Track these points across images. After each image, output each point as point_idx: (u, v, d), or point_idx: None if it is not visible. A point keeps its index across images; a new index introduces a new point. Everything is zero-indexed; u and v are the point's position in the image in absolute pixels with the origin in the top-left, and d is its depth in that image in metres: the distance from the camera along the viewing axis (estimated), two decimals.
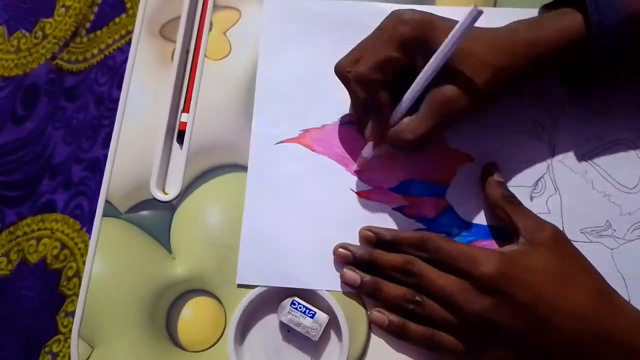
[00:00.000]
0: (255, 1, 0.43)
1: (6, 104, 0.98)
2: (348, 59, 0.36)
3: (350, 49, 0.35)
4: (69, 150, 0.93)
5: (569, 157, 0.38)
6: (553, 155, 0.38)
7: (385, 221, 0.37)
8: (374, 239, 0.36)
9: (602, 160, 0.38)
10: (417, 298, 0.34)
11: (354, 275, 0.35)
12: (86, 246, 0.37)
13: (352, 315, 0.36)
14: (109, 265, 0.38)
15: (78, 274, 0.85)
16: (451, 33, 0.31)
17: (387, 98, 0.34)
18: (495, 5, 0.42)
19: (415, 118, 0.34)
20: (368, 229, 0.37)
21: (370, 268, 0.36)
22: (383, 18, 0.35)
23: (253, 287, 0.36)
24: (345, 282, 0.36)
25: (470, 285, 0.32)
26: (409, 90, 0.34)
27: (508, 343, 0.32)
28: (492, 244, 0.37)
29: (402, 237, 0.36)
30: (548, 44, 0.34)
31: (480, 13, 0.30)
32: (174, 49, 0.42)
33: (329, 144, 0.39)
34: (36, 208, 0.90)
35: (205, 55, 0.42)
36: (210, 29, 0.42)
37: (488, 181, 0.37)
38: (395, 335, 0.34)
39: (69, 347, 0.37)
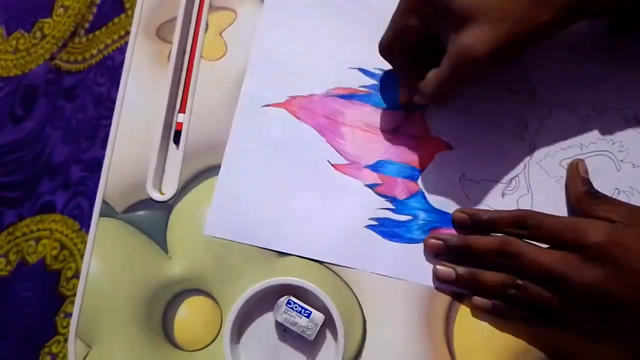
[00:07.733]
0: (251, 2, 0.43)
1: (5, 104, 0.98)
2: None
3: (349, 24, 0.37)
4: (68, 150, 0.93)
5: (547, 161, 0.37)
6: (531, 156, 0.38)
7: (354, 196, 0.38)
8: (468, 220, 0.35)
9: None
10: (518, 281, 0.31)
11: (447, 270, 0.34)
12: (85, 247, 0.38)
13: (347, 314, 0.36)
14: (106, 265, 0.38)
15: (77, 275, 0.85)
16: None
17: (407, 64, 0.34)
18: None
19: (435, 70, 0.33)
20: (461, 210, 0.35)
21: (464, 256, 0.34)
22: None
23: (221, 240, 0.38)
24: (438, 279, 0.34)
25: (579, 257, 0.30)
26: None
27: (621, 320, 0.29)
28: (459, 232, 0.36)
29: (499, 216, 0.34)
30: None
31: None
32: (170, 50, 0.42)
33: (313, 113, 0.39)
34: (35, 208, 0.90)
35: (201, 56, 0.42)
36: (206, 30, 0.43)
37: (572, 175, 0.35)
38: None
39: None
